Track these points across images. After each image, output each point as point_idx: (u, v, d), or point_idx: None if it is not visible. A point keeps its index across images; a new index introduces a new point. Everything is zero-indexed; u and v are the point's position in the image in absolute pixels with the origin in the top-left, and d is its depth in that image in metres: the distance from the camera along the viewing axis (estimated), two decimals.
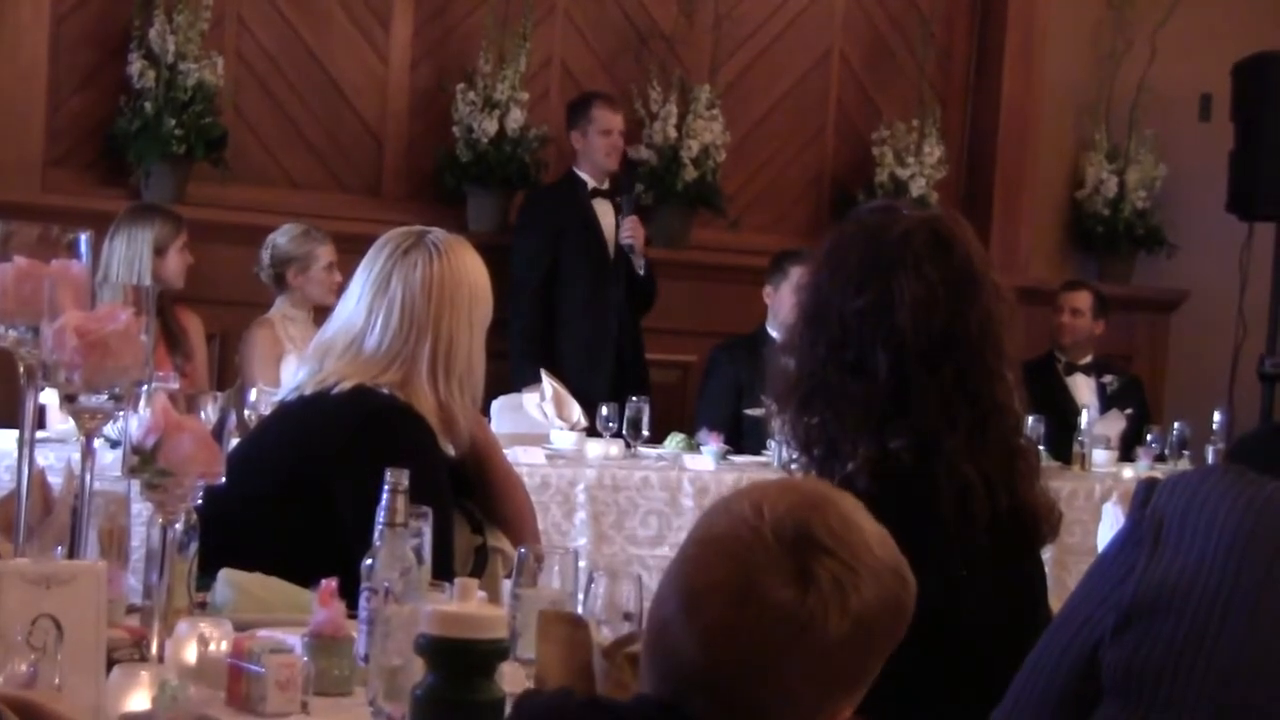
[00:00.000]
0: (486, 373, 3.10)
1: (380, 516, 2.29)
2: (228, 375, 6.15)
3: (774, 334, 6.14)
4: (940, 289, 2.35)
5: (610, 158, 6.69)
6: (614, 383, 6.31)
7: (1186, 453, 6.40)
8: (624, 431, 5.41)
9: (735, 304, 6.98)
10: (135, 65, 6.32)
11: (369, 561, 2.28)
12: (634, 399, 5.44)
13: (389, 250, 3.03)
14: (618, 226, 6.60)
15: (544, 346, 6.44)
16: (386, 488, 2.30)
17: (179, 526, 2.20)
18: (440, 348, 2.99)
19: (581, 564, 2.97)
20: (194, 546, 2.37)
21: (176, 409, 2.14)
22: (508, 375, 6.13)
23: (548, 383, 5.62)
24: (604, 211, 6.66)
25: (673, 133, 7.21)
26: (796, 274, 5.84)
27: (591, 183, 6.70)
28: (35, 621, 1.85)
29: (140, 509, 2.47)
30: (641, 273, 6.62)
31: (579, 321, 6.55)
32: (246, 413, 4.52)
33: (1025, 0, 8.00)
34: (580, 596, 2.40)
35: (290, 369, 4.90)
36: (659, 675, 1.58)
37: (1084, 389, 7.19)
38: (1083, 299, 7.23)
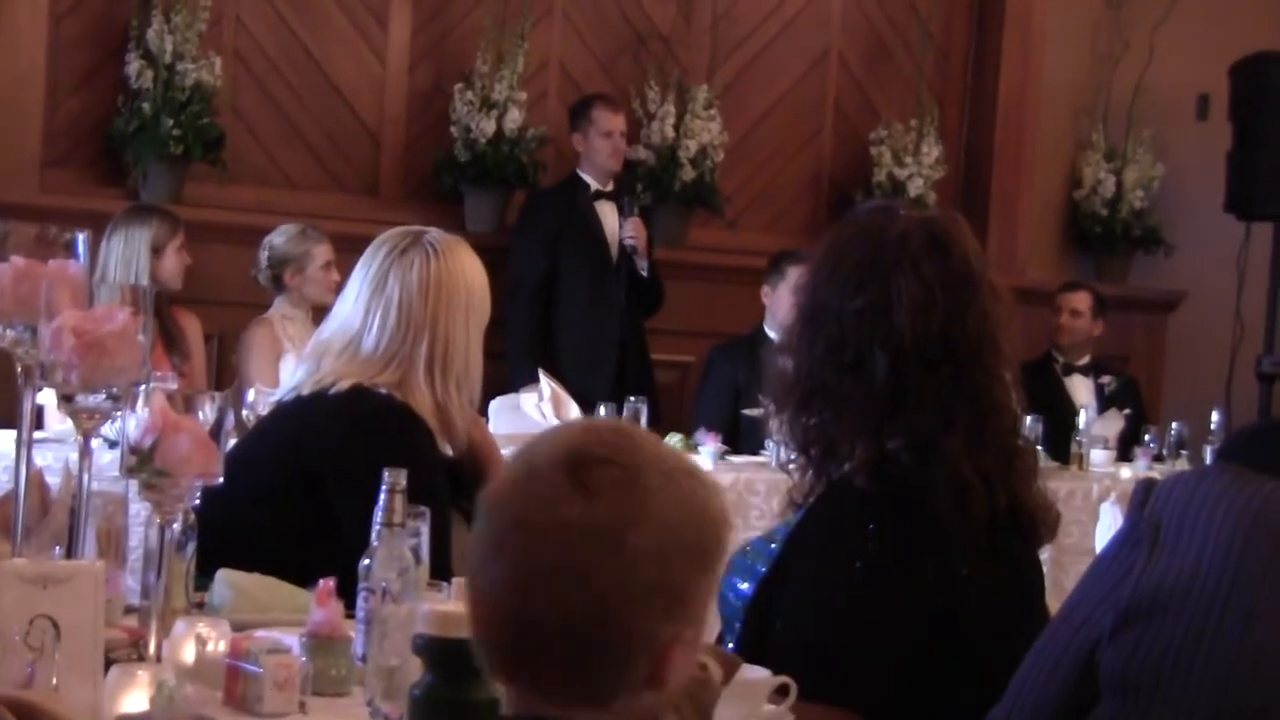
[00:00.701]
0: (484, 373, 3.10)
1: (378, 516, 2.29)
2: (226, 375, 6.14)
3: (772, 334, 6.14)
4: (938, 290, 2.35)
5: (612, 159, 6.69)
6: (616, 384, 6.30)
7: (1184, 453, 6.41)
8: None
9: (733, 304, 6.98)
10: (133, 65, 6.32)
11: (366, 561, 2.28)
12: (632, 399, 5.44)
13: (386, 250, 3.03)
14: (622, 228, 6.60)
15: (542, 347, 6.44)
16: (384, 487, 2.30)
17: (177, 527, 2.20)
18: (437, 348, 2.98)
19: None
20: (192, 547, 2.37)
21: (174, 409, 2.13)
22: (505, 375, 6.13)
23: (545, 383, 5.62)
24: (607, 213, 6.66)
25: (670, 133, 7.21)
26: (794, 274, 5.84)
27: (595, 185, 6.70)
28: (33, 621, 1.85)
29: (138, 509, 2.47)
30: (644, 274, 6.61)
31: (580, 323, 6.55)
32: (244, 413, 4.51)
33: (1023, 1, 8.00)
34: None
35: (289, 369, 4.90)
36: (492, 655, 1.53)
37: (1082, 389, 7.19)
38: (1082, 299, 7.23)
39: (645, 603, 1.47)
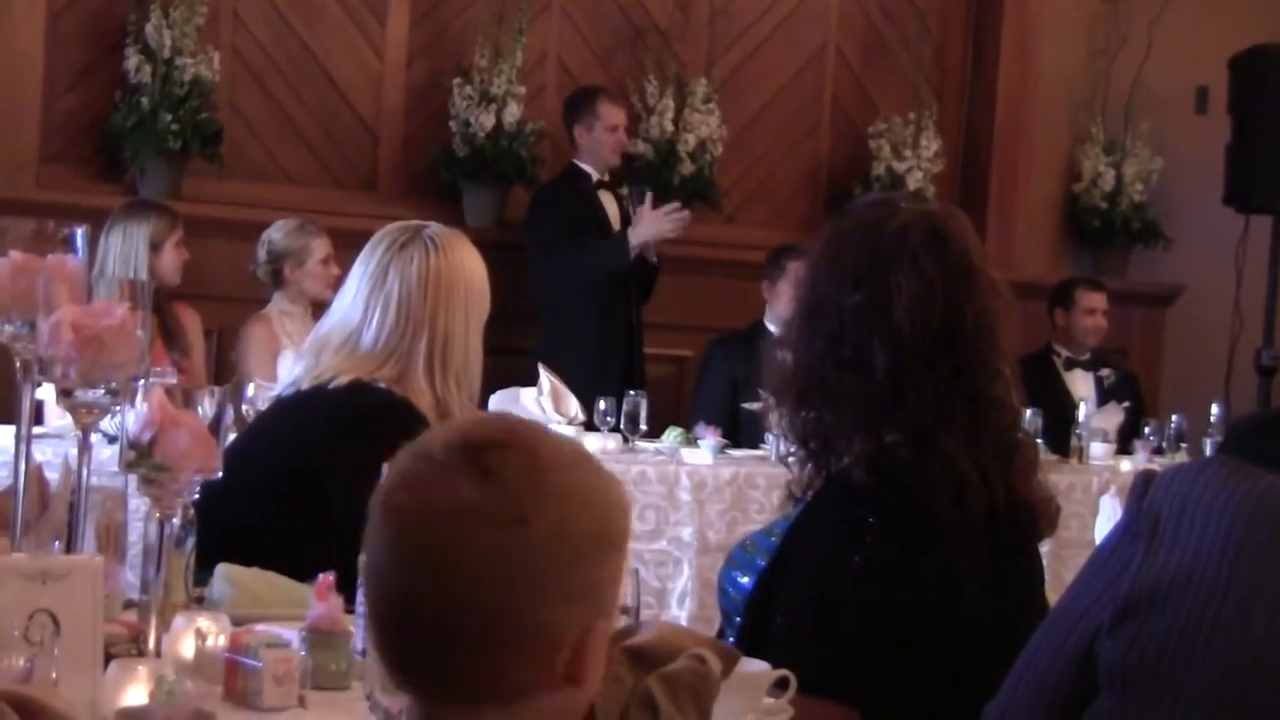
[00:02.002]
0: (485, 367, 3.10)
1: None
2: (225, 371, 6.14)
3: (771, 328, 6.14)
4: (938, 284, 2.35)
5: (614, 153, 6.70)
6: (625, 375, 6.30)
7: (1184, 446, 6.41)
8: (621, 426, 5.41)
9: (732, 298, 6.98)
10: (131, 61, 6.31)
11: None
12: (631, 393, 5.44)
13: (386, 245, 3.03)
14: (622, 217, 6.59)
15: (571, 336, 6.42)
16: None
17: (176, 521, 2.20)
18: (437, 343, 2.98)
19: None
20: (191, 541, 2.37)
21: (173, 404, 2.13)
22: (506, 370, 6.12)
23: (545, 377, 5.62)
24: (608, 202, 6.67)
25: (669, 127, 7.21)
26: (794, 269, 5.84)
27: (595, 175, 6.70)
28: (32, 616, 1.84)
29: (137, 504, 2.47)
30: (656, 263, 6.58)
31: (592, 316, 6.52)
32: (244, 408, 4.51)
33: None
34: None
35: (287, 364, 4.90)
36: (391, 656, 1.48)
37: (1081, 383, 7.19)
38: (1101, 299, 7.24)
39: (552, 589, 1.42)
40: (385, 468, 1.49)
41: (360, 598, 2.26)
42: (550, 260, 6.45)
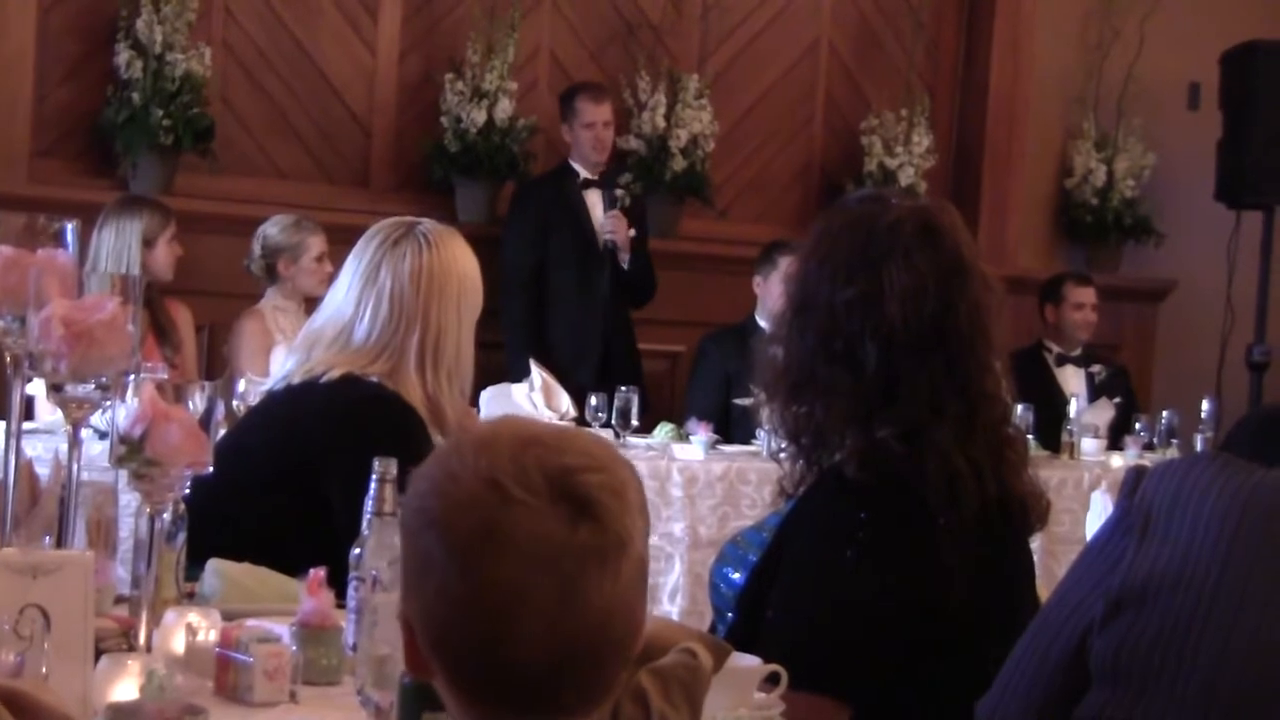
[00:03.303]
0: (476, 363, 3.10)
1: (368, 505, 2.29)
2: (216, 366, 6.14)
3: (763, 324, 6.14)
4: (930, 279, 2.35)
5: (595, 150, 6.69)
6: (601, 373, 6.31)
7: (1175, 441, 6.41)
8: (613, 421, 5.41)
9: (724, 294, 6.98)
10: (122, 56, 6.30)
11: (357, 550, 2.28)
12: (623, 389, 5.44)
13: (379, 240, 3.03)
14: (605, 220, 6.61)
15: (535, 336, 6.45)
16: (374, 476, 2.30)
17: (167, 516, 2.19)
18: (429, 339, 2.98)
19: None
20: (182, 536, 2.37)
21: (164, 399, 2.13)
22: (498, 366, 6.12)
23: (536, 372, 5.62)
24: (595, 202, 6.67)
25: (661, 122, 7.21)
26: (786, 264, 5.84)
27: (584, 173, 6.70)
28: (22, 611, 1.84)
29: (128, 499, 2.47)
30: (626, 267, 6.62)
31: (567, 311, 6.57)
32: (235, 403, 4.51)
33: None
34: None
35: (280, 359, 4.90)
36: (459, 683, 1.42)
37: (1072, 378, 7.19)
38: (1090, 293, 7.24)
39: (644, 592, 1.44)
40: (435, 505, 1.41)
41: (351, 591, 2.27)
42: (506, 282, 6.46)
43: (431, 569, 1.39)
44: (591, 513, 1.38)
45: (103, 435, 3.46)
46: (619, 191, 6.71)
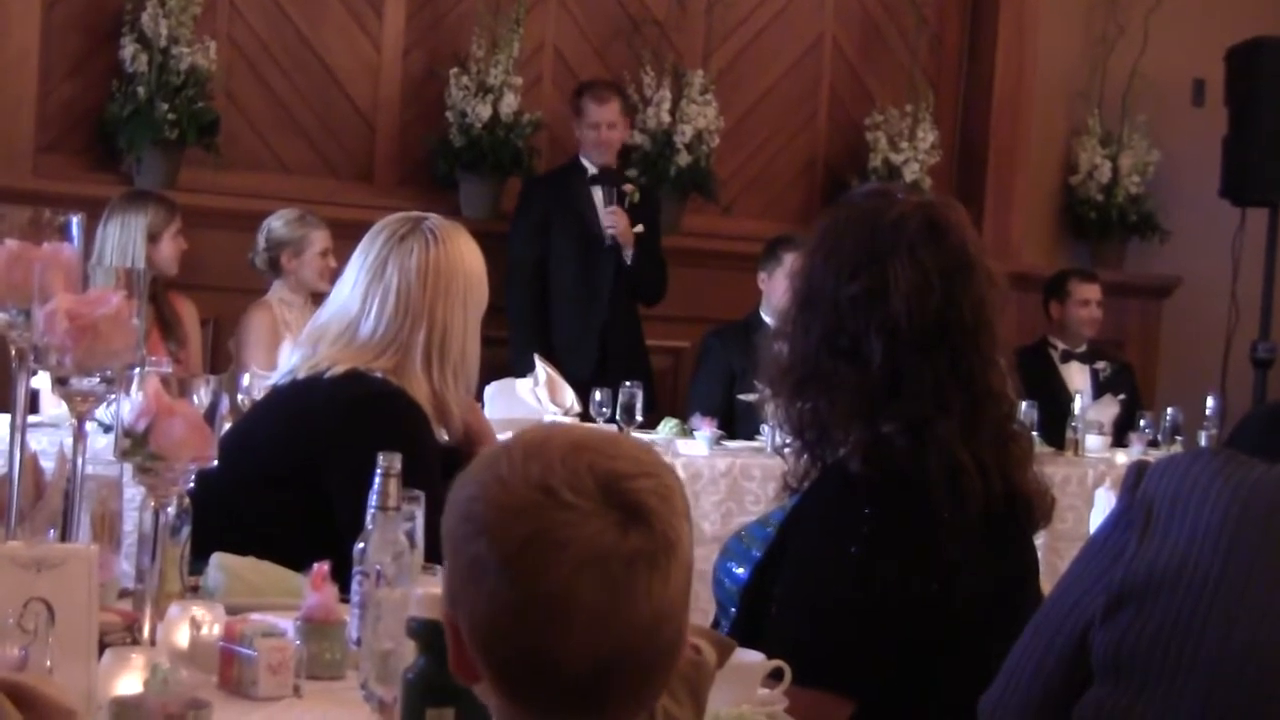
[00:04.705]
0: (481, 358, 3.10)
1: (372, 500, 2.29)
2: (220, 360, 6.14)
3: (767, 319, 6.14)
4: (935, 275, 2.35)
5: (598, 150, 6.69)
6: (600, 368, 6.31)
7: (1179, 438, 6.40)
8: (617, 416, 5.40)
9: (728, 290, 6.98)
10: (127, 50, 6.31)
11: (361, 545, 2.28)
12: (627, 384, 5.44)
13: (385, 236, 3.03)
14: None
15: (539, 331, 6.45)
16: (379, 471, 2.30)
17: (171, 510, 2.20)
18: (435, 335, 2.98)
19: None
20: (186, 530, 2.37)
21: (169, 393, 2.13)
22: (503, 361, 6.13)
23: (541, 367, 5.62)
24: (601, 198, 6.67)
25: (666, 118, 7.21)
26: (790, 260, 5.83)
27: (592, 169, 6.71)
28: (27, 605, 1.84)
29: (133, 493, 2.47)
30: (629, 263, 6.62)
31: (568, 306, 6.58)
32: (239, 397, 4.51)
33: None
34: None
35: (286, 353, 4.89)
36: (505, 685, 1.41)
37: (1077, 375, 7.19)
38: (1095, 290, 7.24)
39: (686, 600, 1.44)
40: (484, 510, 1.40)
41: (355, 586, 2.27)
42: (510, 277, 6.47)
43: (481, 575, 1.38)
44: (642, 518, 1.38)
45: (107, 429, 3.46)
46: (628, 187, 6.71)
